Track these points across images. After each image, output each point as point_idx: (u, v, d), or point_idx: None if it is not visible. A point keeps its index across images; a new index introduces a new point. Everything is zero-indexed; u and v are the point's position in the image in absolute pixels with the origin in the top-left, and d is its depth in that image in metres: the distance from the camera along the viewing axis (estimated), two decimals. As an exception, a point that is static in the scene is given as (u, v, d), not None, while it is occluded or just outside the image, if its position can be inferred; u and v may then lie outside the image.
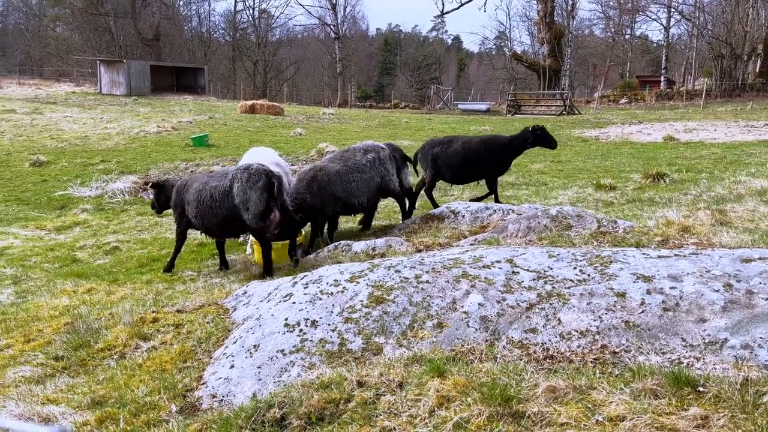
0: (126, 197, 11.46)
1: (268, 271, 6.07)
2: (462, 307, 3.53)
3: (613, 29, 57.57)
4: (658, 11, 49.70)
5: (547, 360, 3.06)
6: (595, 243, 5.09)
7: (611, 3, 55.80)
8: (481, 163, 8.44)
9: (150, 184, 7.32)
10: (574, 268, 3.77)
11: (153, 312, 4.58)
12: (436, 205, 8.34)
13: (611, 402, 2.56)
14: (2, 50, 60.29)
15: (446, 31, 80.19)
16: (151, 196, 7.27)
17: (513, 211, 6.44)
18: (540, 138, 8.48)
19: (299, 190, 6.59)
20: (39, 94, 35.79)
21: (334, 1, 57.34)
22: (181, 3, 64.12)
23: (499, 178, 11.44)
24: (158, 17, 55.42)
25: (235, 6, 60.87)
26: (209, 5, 65.61)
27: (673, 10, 46.98)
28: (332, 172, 6.70)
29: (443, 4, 51.82)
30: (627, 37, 58.53)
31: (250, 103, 30.27)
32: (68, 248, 7.91)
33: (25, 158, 15.68)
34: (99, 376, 3.64)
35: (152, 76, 40.19)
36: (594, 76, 60.17)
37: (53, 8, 58.09)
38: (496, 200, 8.54)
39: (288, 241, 6.55)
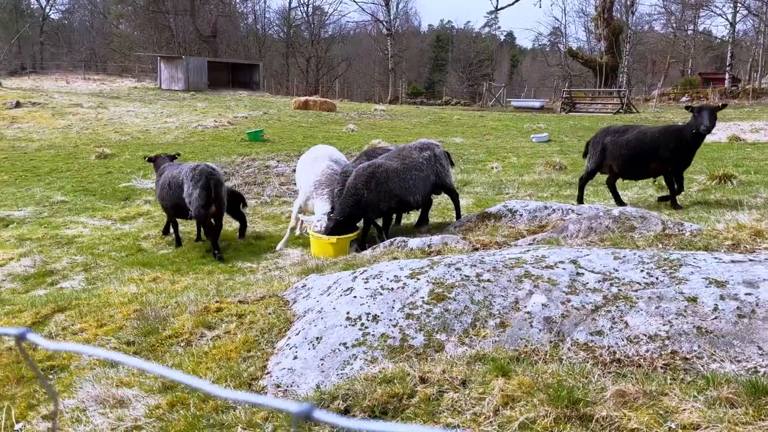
0: (186, 190, 11.83)
1: (215, 248, 7.28)
2: (525, 307, 3.50)
3: (674, 25, 55.66)
4: (723, 6, 47.74)
5: (614, 363, 3.00)
6: (660, 245, 4.95)
7: (673, -3, 53.95)
8: (656, 155, 7.52)
9: (147, 158, 9.15)
10: (641, 270, 3.68)
11: (216, 302, 4.71)
12: (585, 198, 8.06)
13: (684, 409, 2.49)
14: (69, 46, 62.99)
15: (499, 28, 79.29)
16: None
17: (573, 210, 6.32)
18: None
19: (357, 185, 6.66)
20: (103, 89, 37.25)
21: (388, -2, 57.37)
22: (238, 0, 65.52)
23: (556, 177, 11.29)
24: (216, 14, 56.85)
25: (290, 3, 61.81)
26: (264, 2, 66.83)
27: (739, 4, 45.00)
28: (390, 170, 6.73)
29: (497, 0, 51.01)
30: (689, 32, 56.46)
31: (303, 99, 30.71)
32: (133, 238, 8.23)
33: (91, 150, 16.37)
34: (168, 361, 3.77)
35: (209, 72, 41.28)
36: (653, 73, 58.31)
37: (117, 5, 60.27)
38: (673, 200, 7.71)
39: (346, 236, 6.66)
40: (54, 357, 4.00)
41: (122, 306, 4.89)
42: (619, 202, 7.97)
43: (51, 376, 3.80)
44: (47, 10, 63.41)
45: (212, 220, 7.34)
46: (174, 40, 56.50)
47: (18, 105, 24.78)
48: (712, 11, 51.23)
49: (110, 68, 54.71)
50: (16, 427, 3.31)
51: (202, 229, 7.93)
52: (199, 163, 7.54)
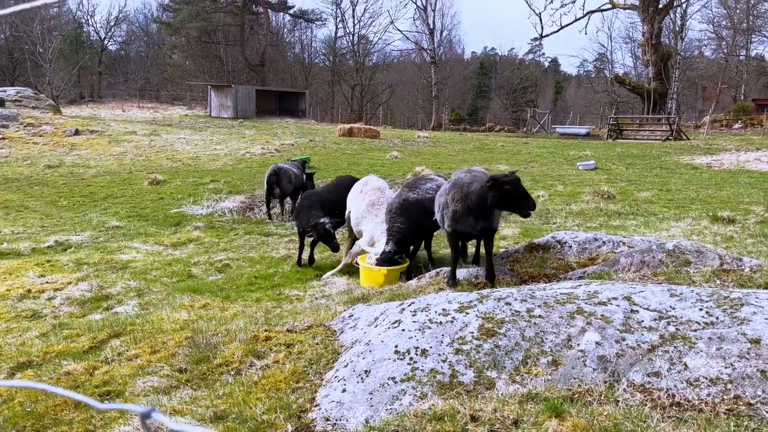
0: (234, 216, 12.08)
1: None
2: (578, 345, 3.43)
3: (725, 50, 54.36)
4: (778, 30, 46.40)
5: (674, 407, 2.90)
6: (718, 282, 4.79)
7: (724, 23, 52.89)
8: None
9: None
10: (700, 309, 3.56)
11: (265, 330, 4.76)
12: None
13: (750, 459, 2.39)
14: (125, 76, 65.81)
15: (543, 54, 78.84)
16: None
17: (623, 243, 6.18)
18: None
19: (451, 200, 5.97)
20: (156, 116, 38.65)
21: (432, 27, 58.06)
22: (286, 30, 67.39)
23: (604, 207, 11.08)
24: (264, 44, 58.51)
25: (336, 32, 63.18)
26: (311, 32, 68.35)
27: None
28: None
29: (542, 28, 50.97)
30: (741, 57, 55.03)
31: (348, 126, 31.15)
32: (184, 264, 8.43)
33: (144, 177, 16.93)
34: (218, 390, 3.82)
35: (257, 100, 42.40)
36: (704, 99, 56.94)
37: (171, 37, 62.78)
38: None
39: (397, 267, 6.70)
40: (110, 382, 4.11)
41: (174, 333, 5.00)
42: None
43: (107, 402, 3.90)
44: (106, 42, 66.53)
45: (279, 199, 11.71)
46: (224, 69, 58.41)
47: (77, 132, 25.91)
48: (765, 36, 49.92)
49: (163, 96, 56.83)
50: (74, 451, 3.40)
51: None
52: (277, 164, 11.96)
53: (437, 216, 6.22)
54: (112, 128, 28.28)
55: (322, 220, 7.76)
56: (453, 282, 5.98)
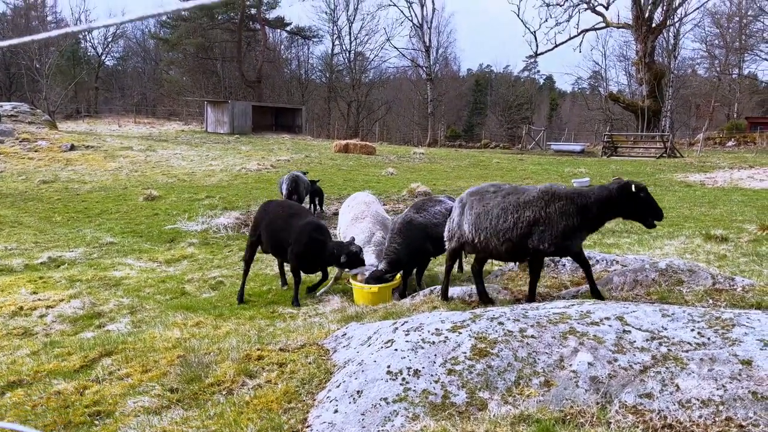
0: (229, 232, 12.06)
1: None
2: (570, 365, 3.42)
3: (718, 68, 54.96)
4: (770, 49, 47.00)
5: (666, 429, 2.90)
6: (711, 301, 4.81)
7: (716, 42, 53.53)
8: None
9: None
10: (692, 330, 3.57)
11: (258, 349, 4.74)
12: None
13: (742, 483, 2.38)
14: (121, 91, 65.95)
15: (538, 71, 79.44)
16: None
17: (617, 262, 6.20)
18: None
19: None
20: (152, 132, 38.70)
21: (428, 44, 58.54)
22: (283, 47, 67.80)
23: (598, 225, 11.10)
24: (261, 60, 58.82)
25: (332, 49, 63.58)
26: (308, 49, 68.72)
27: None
28: None
29: (537, 46, 51.49)
30: (734, 76, 55.63)
31: (344, 142, 31.26)
32: (177, 281, 8.39)
33: (139, 192, 16.92)
34: (210, 410, 3.79)
35: (253, 115, 42.51)
36: (697, 116, 57.43)
37: (168, 53, 63.07)
38: None
39: (387, 284, 6.69)
40: (100, 402, 4.08)
41: (166, 351, 4.97)
42: None
43: (96, 422, 3.87)
44: (103, 58, 66.79)
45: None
46: (220, 85, 58.63)
47: (73, 148, 25.91)
48: (757, 55, 50.53)
49: (159, 112, 56.98)
50: (62, 472, 3.36)
51: None
52: (293, 172, 13.47)
53: (505, 236, 5.21)
54: (108, 143, 28.29)
55: (353, 245, 6.85)
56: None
